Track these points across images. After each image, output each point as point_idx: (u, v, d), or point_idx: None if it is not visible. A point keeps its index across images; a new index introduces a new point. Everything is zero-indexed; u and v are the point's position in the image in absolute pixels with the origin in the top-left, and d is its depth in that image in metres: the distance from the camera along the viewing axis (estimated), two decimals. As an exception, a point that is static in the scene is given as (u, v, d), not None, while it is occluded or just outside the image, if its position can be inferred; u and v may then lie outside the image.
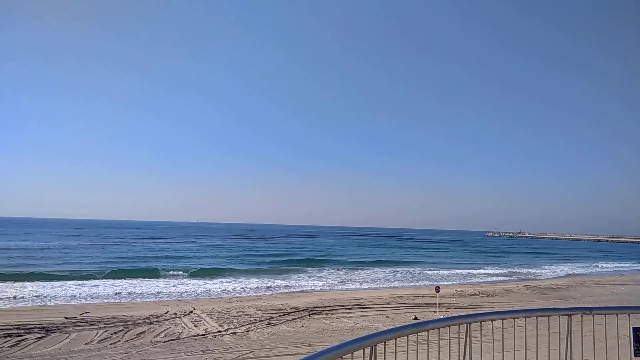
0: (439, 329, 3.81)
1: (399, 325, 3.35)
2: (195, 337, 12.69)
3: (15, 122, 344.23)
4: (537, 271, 43.85)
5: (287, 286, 27.09)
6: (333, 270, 38.14)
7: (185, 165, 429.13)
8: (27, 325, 13.70)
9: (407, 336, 3.45)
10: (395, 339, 3.26)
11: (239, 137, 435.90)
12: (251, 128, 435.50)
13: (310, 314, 16.67)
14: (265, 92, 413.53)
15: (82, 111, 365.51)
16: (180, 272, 31.67)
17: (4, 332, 12.68)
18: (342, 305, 18.72)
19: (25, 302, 19.45)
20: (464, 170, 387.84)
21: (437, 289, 18.29)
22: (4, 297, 20.32)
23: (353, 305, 18.96)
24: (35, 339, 12.21)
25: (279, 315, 16.23)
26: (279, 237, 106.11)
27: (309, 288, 26.77)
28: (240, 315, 16.03)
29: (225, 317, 15.73)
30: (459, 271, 40.74)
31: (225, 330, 13.55)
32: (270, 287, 26.44)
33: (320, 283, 29.17)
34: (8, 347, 11.32)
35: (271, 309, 17.52)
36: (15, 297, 20.32)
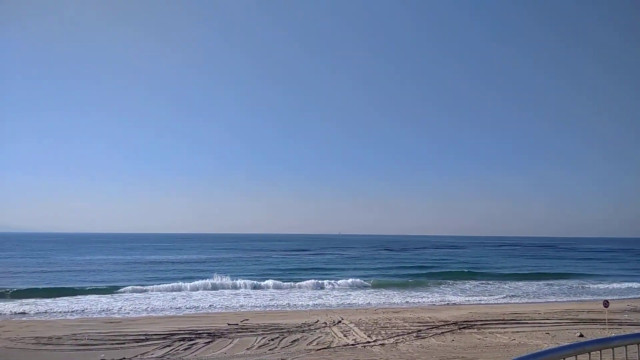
0: (625, 346, 3.36)
1: (579, 341, 3.06)
2: (345, 347, 13.05)
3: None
4: None
5: (433, 299, 26.40)
6: (481, 283, 36.09)
7: (329, 177, 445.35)
8: (197, 330, 15.41)
9: (589, 353, 3.11)
10: (576, 356, 2.95)
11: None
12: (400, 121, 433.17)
13: (460, 328, 16.02)
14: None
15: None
16: (325, 283, 32.82)
17: (179, 337, 14.42)
18: (495, 320, 17.63)
19: (190, 310, 21.96)
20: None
21: (606, 303, 16.19)
22: (174, 306, 23.22)
23: (507, 320, 17.73)
24: (204, 343, 13.66)
25: (427, 328, 15.89)
26: (421, 248, 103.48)
27: (456, 301, 25.71)
28: (387, 327, 16.07)
29: (373, 328, 15.90)
30: (631, 284, 35.49)
31: (374, 341, 13.71)
32: (415, 299, 26.03)
33: (467, 296, 27.88)
34: (182, 349, 12.84)
35: (418, 322, 17.24)
36: (188, 307, 23.09)
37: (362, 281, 34.20)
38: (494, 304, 24.90)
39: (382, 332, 15.19)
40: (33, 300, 23.87)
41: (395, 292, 29.09)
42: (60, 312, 20.63)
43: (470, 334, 15.18)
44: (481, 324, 16.78)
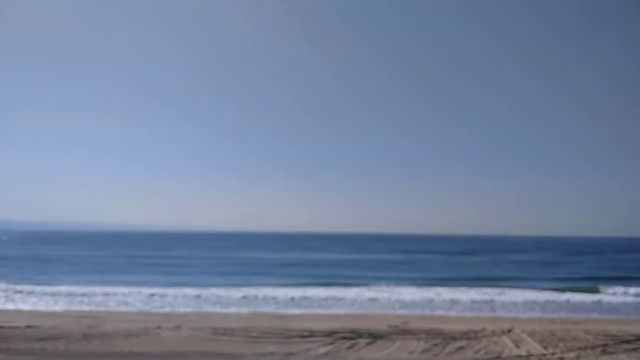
0: None
1: None
2: (517, 358, 12.40)
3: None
4: None
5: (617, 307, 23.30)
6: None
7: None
8: (358, 330, 15.76)
9: None
10: None
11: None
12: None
13: (658, 344, 13.96)
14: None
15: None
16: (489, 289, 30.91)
17: (340, 335, 14.92)
18: None
19: (348, 309, 22.75)
20: None
21: None
22: (322, 305, 24.30)
23: None
24: (366, 343, 13.94)
25: (616, 343, 14.15)
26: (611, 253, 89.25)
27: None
28: (566, 339, 14.73)
29: (549, 339, 14.72)
30: None
31: (550, 354, 12.72)
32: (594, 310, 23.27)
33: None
34: (345, 348, 13.34)
35: (604, 335, 15.44)
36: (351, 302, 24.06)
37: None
38: None
39: (560, 344, 14.00)
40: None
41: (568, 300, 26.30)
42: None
43: (674, 351, 13.15)
44: (688, 340, 14.37)
